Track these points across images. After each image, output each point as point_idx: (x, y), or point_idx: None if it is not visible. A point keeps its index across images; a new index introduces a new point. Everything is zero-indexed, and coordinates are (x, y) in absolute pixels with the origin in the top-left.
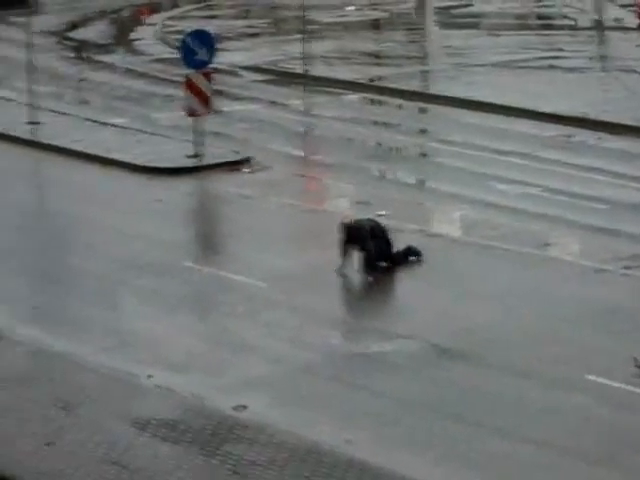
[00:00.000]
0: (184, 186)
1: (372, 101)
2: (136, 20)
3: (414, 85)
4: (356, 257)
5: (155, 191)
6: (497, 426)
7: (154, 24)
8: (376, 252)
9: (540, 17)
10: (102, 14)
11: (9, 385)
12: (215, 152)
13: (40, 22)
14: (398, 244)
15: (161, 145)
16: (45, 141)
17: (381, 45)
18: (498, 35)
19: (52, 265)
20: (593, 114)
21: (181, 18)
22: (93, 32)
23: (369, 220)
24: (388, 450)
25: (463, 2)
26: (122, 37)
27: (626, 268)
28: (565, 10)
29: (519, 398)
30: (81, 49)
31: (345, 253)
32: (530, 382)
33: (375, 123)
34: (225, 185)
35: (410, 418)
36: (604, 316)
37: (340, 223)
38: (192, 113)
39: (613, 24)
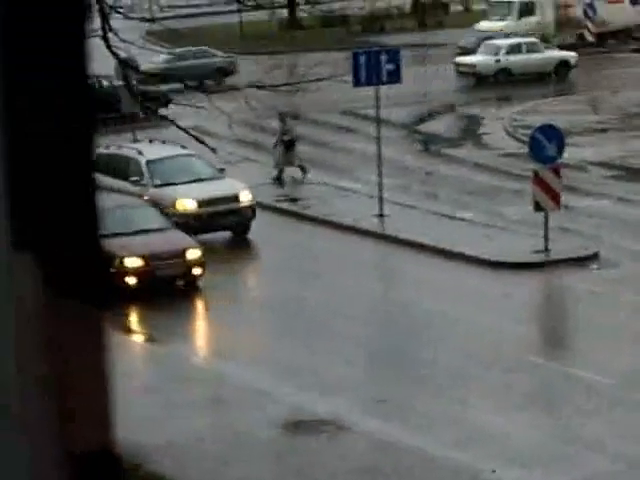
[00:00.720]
0: (531, 281)
1: None
2: (483, 114)
3: None
4: None
5: (502, 285)
6: None
7: (502, 118)
8: None
9: None
10: (450, 108)
11: (354, 477)
12: (563, 247)
13: (391, 115)
14: None
15: (508, 239)
16: (392, 234)
17: None
18: None
19: (397, 356)
20: None
21: (530, 112)
22: (441, 125)
23: None
24: None
25: None
26: (470, 131)
27: None
28: None
29: None
30: (429, 142)
31: None
32: None
33: None
34: (573, 281)
35: None
36: None
37: None
38: (540, 208)
39: None
